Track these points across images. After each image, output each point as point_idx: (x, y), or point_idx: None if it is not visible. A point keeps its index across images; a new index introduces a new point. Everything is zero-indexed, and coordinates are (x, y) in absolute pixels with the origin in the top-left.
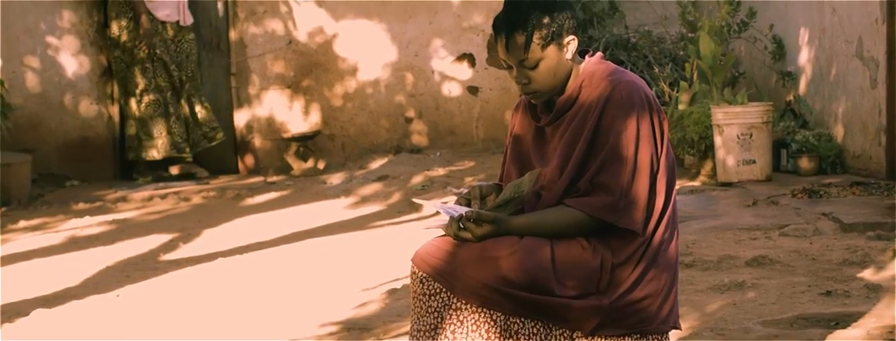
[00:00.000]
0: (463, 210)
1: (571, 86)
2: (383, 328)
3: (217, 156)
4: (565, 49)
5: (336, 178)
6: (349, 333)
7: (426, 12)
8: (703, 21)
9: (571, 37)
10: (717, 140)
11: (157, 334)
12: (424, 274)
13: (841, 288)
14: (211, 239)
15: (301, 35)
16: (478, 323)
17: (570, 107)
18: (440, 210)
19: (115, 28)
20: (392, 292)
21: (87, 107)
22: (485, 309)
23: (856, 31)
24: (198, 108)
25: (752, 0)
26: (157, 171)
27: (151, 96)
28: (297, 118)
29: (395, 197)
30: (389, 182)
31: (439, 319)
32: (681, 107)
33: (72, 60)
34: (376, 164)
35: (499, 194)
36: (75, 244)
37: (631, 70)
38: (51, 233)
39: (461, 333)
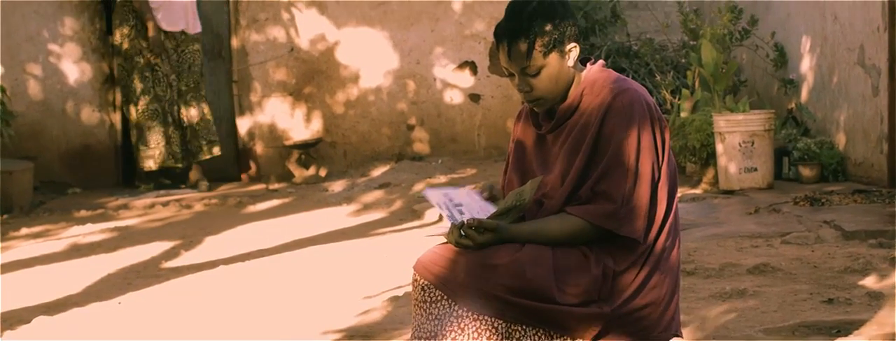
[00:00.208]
0: (464, 195)
1: (573, 93)
2: (385, 335)
3: (219, 164)
4: (567, 56)
5: (338, 186)
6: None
7: (428, 20)
8: (704, 29)
9: (573, 44)
10: (719, 147)
11: None
12: (426, 282)
13: (843, 295)
14: (212, 246)
15: (303, 42)
16: (479, 330)
17: (572, 114)
18: (443, 206)
19: (117, 36)
20: (394, 299)
21: (89, 115)
22: (486, 317)
23: (857, 38)
24: (196, 120)
25: (754, 7)
26: (158, 179)
27: (149, 105)
28: (298, 125)
29: (397, 204)
30: (391, 189)
31: (440, 327)
32: (683, 114)
33: (74, 68)
34: (378, 172)
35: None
36: (77, 251)
37: (633, 77)
38: (52, 240)
39: None
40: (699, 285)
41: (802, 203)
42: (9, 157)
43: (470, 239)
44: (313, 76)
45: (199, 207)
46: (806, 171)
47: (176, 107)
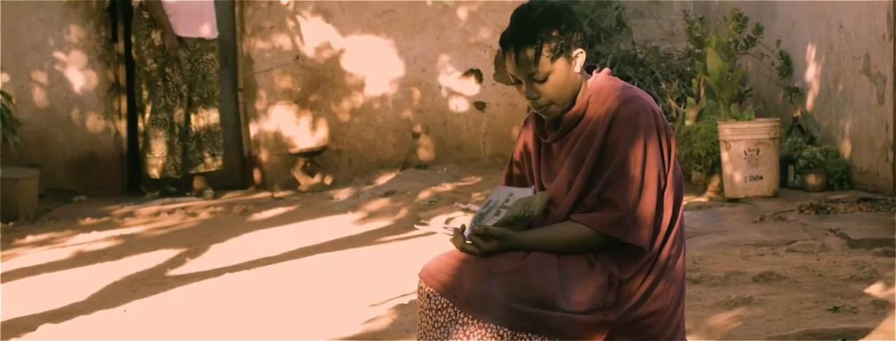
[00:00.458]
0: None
1: (579, 101)
2: None
3: (224, 172)
4: (574, 62)
5: (343, 194)
6: None
7: (433, 28)
8: (710, 37)
9: (579, 50)
10: (724, 156)
11: None
12: (431, 290)
13: (848, 304)
14: (218, 254)
15: (308, 50)
16: (484, 338)
17: (577, 122)
18: (443, 229)
19: (133, 43)
20: (399, 307)
21: (95, 123)
22: (491, 325)
23: (863, 47)
24: (205, 131)
25: (760, 16)
26: (163, 187)
27: (157, 115)
28: (304, 133)
29: (403, 212)
30: (396, 197)
31: (446, 334)
32: (688, 122)
33: (79, 76)
34: (383, 180)
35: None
36: (82, 259)
37: (638, 86)
38: (58, 247)
39: None
40: (704, 293)
41: (808, 211)
42: (14, 165)
43: (476, 245)
44: (319, 84)
45: (204, 215)
46: (811, 180)
47: (185, 117)
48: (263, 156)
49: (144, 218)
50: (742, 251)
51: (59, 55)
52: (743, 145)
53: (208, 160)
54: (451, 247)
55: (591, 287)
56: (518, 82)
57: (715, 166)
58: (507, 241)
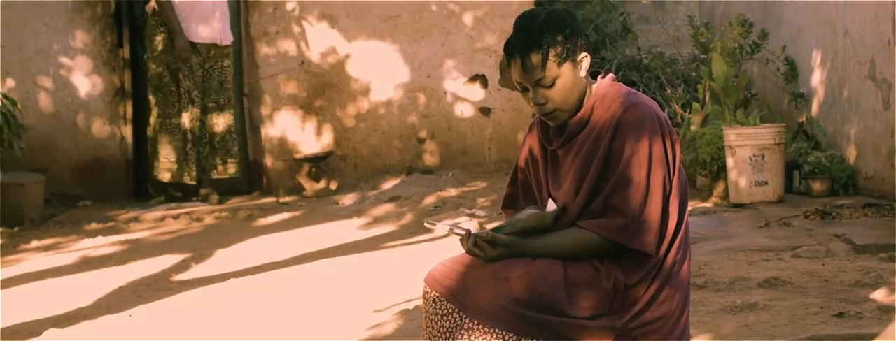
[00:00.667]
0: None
1: (584, 107)
2: None
3: (229, 177)
4: (580, 66)
5: (348, 199)
6: None
7: (438, 33)
8: (715, 42)
9: (585, 54)
10: (730, 161)
11: None
12: (437, 295)
13: (853, 309)
14: (223, 259)
15: (313, 55)
16: None
17: (583, 129)
18: (451, 230)
19: (148, 46)
20: (405, 313)
21: (100, 128)
22: (497, 330)
23: (868, 52)
24: (219, 137)
25: (765, 21)
26: (169, 192)
27: (164, 120)
28: (309, 139)
29: (408, 217)
30: (402, 202)
31: (451, 339)
32: (693, 128)
33: (85, 81)
34: (388, 185)
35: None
36: (87, 264)
37: (643, 91)
38: (63, 252)
39: None
40: (710, 299)
41: (813, 216)
42: (20, 170)
43: (481, 251)
44: (324, 89)
45: (209, 220)
46: (816, 185)
47: (200, 123)
48: (268, 161)
49: (150, 223)
50: (747, 256)
51: (64, 60)
52: (748, 150)
53: (220, 167)
54: (457, 253)
55: (596, 292)
56: (525, 89)
57: (720, 171)
58: (513, 249)
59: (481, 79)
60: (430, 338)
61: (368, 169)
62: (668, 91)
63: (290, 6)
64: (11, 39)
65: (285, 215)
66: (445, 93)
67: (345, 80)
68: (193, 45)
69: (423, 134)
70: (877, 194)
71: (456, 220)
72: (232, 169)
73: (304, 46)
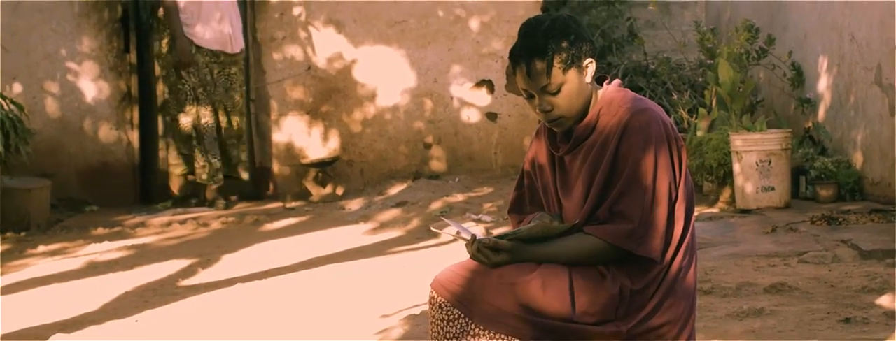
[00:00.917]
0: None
1: (590, 113)
2: None
3: (236, 182)
4: (585, 72)
5: (355, 204)
6: None
7: (445, 39)
8: (721, 48)
9: (590, 59)
10: (736, 167)
11: None
12: (443, 300)
13: (860, 315)
14: (230, 264)
15: (320, 61)
16: None
17: (589, 134)
18: (459, 230)
19: (157, 49)
20: (411, 318)
21: (107, 133)
22: (503, 336)
23: (875, 58)
24: (230, 142)
25: (772, 27)
26: (177, 196)
27: (177, 123)
28: (315, 144)
29: (414, 223)
30: (408, 208)
31: None
32: (699, 133)
33: (91, 86)
34: (395, 190)
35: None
36: (94, 269)
37: (650, 96)
38: (70, 257)
39: None
40: (716, 304)
41: (819, 222)
42: (26, 175)
43: (485, 257)
44: (330, 94)
45: (216, 225)
46: (823, 191)
47: (214, 127)
48: (275, 166)
49: (156, 228)
50: (753, 262)
51: (71, 65)
52: (754, 156)
53: (228, 171)
54: (463, 259)
55: (602, 298)
56: (530, 96)
57: (726, 177)
58: (517, 255)
59: (488, 84)
60: None
61: (375, 174)
62: (675, 96)
63: (296, 12)
64: (18, 44)
65: (292, 220)
66: (452, 98)
67: (351, 86)
68: (198, 48)
69: (429, 139)
70: (883, 200)
71: (463, 223)
72: (244, 175)
73: (310, 52)
